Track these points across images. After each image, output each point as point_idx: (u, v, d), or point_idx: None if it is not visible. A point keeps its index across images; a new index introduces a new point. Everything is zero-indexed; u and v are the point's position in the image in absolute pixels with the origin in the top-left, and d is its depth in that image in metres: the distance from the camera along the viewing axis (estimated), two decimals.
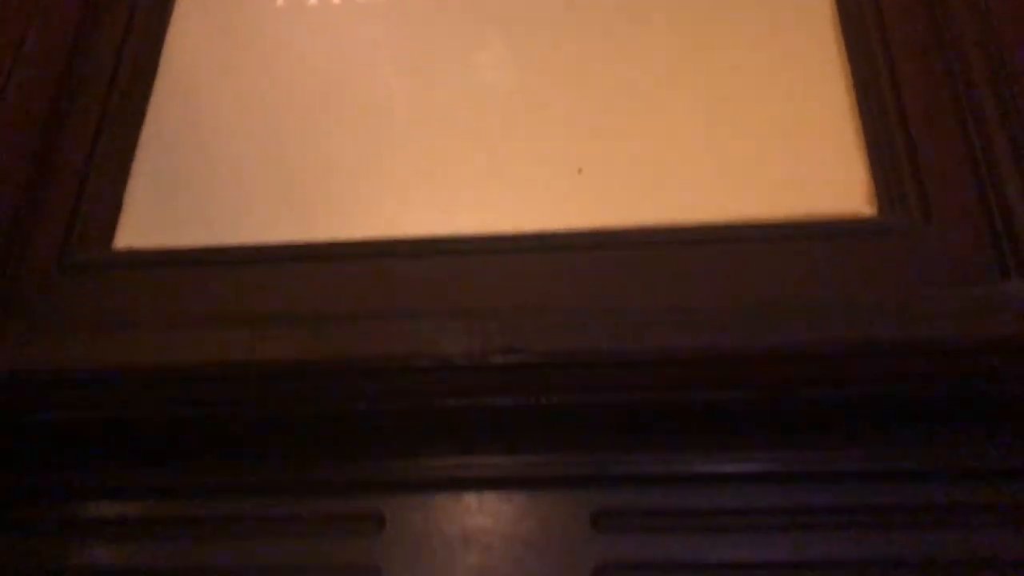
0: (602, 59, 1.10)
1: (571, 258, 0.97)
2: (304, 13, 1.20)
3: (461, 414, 0.90)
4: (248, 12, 1.21)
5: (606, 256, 0.97)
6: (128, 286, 0.99)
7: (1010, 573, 0.88)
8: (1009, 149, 0.98)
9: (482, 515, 0.95)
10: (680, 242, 0.97)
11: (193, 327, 0.92)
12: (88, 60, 1.11)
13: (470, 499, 0.95)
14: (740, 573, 0.90)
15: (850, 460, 0.91)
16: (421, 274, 0.97)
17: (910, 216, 0.97)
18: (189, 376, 0.88)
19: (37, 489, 0.96)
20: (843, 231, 0.98)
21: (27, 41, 1.08)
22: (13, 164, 1.02)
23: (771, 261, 0.95)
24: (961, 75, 1.01)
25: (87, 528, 0.96)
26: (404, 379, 0.87)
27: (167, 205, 1.05)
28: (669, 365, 0.86)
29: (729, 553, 0.91)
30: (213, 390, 0.88)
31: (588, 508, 0.93)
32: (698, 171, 1.02)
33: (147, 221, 1.04)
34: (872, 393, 0.87)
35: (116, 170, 1.06)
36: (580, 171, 1.03)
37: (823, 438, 0.92)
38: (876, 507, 0.91)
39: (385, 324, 0.90)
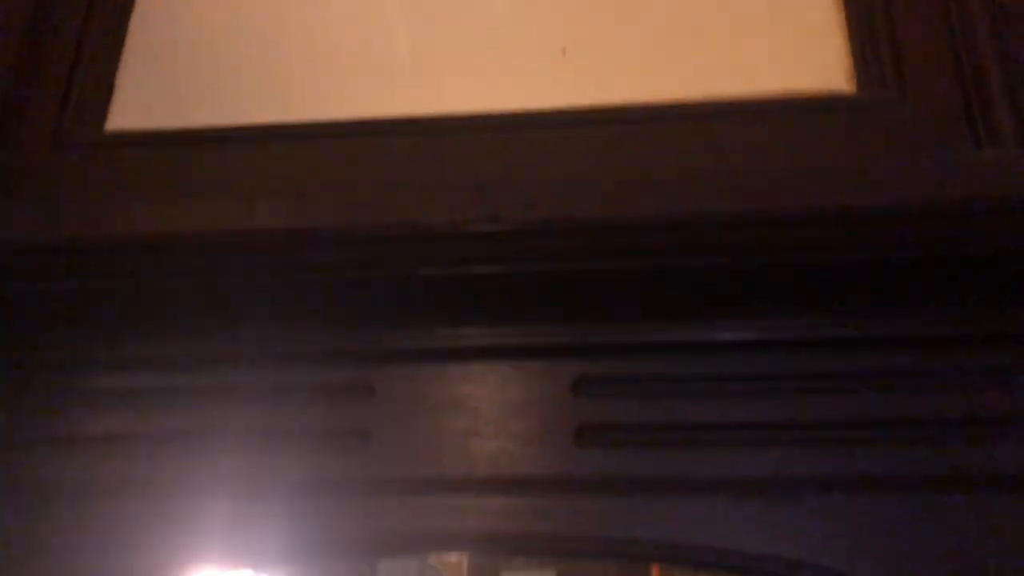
0: None
1: (552, 135, 0.97)
2: None
3: (444, 283, 0.90)
4: None
5: (587, 133, 0.97)
6: (120, 166, 0.99)
7: (987, 432, 0.88)
8: (987, 26, 0.96)
9: (468, 383, 0.96)
10: (661, 119, 0.96)
11: (184, 201, 0.91)
12: None
13: (457, 368, 0.96)
14: (714, 434, 0.91)
15: (824, 327, 0.91)
16: (406, 151, 0.96)
17: (888, 93, 0.96)
18: (180, 245, 0.88)
19: (36, 360, 0.97)
20: (822, 107, 0.96)
21: None
22: (4, 47, 1.01)
23: (750, 136, 0.94)
24: None
25: (83, 398, 0.97)
26: (388, 248, 0.87)
27: (158, 88, 1.04)
28: (646, 232, 0.86)
29: (704, 416, 0.92)
30: (203, 260, 0.88)
31: (569, 375, 0.94)
32: (681, 50, 1.01)
33: (138, 104, 1.03)
34: (847, 259, 0.86)
35: (107, 54, 1.05)
36: (564, 51, 1.02)
37: (798, 306, 0.91)
38: (850, 372, 0.92)
39: (369, 196, 0.90)
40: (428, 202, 0.87)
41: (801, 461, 0.90)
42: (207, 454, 0.96)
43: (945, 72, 0.95)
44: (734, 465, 0.90)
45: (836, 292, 0.90)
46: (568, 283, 0.90)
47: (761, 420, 0.91)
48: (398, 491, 0.92)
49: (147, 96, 1.03)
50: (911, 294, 0.89)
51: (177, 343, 0.96)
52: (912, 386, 0.91)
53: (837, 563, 0.85)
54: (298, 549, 0.97)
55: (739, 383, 0.93)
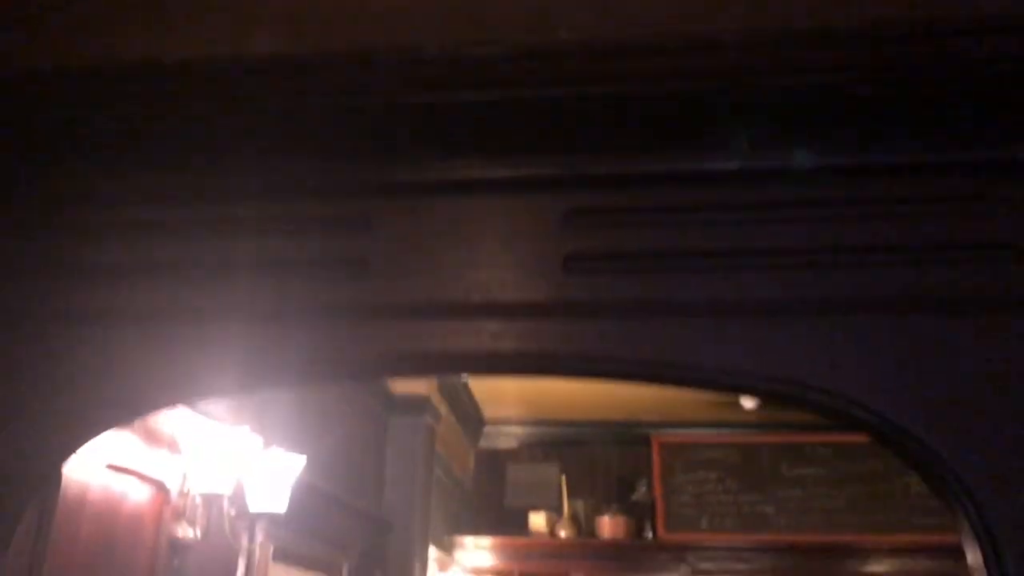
0: None
1: None
2: None
3: (437, 110, 0.88)
4: None
5: None
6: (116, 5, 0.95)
7: (954, 256, 0.90)
8: None
9: (462, 214, 0.96)
10: None
11: (179, 26, 0.88)
12: None
13: (450, 200, 0.96)
14: (696, 261, 0.92)
15: (807, 157, 0.91)
16: None
17: None
18: (174, 71, 0.85)
19: (41, 190, 0.97)
20: None
21: None
22: None
23: None
24: None
25: (89, 229, 0.97)
26: (381, 73, 0.85)
27: None
28: (638, 54, 0.83)
29: (686, 243, 0.92)
30: (198, 85, 0.86)
31: (561, 205, 0.94)
32: None
33: None
34: (833, 82, 0.85)
35: None
36: None
37: (780, 137, 0.90)
38: (828, 200, 0.91)
39: (361, 19, 0.86)
40: (418, 25, 0.84)
41: (777, 285, 0.91)
42: (216, 282, 0.97)
43: None
44: (714, 289, 0.91)
45: (821, 120, 0.89)
46: (557, 109, 0.88)
47: (740, 247, 0.92)
48: (397, 315, 0.94)
49: None
50: (886, 124, 0.88)
51: (176, 177, 0.95)
52: (888, 212, 0.91)
53: (811, 378, 0.88)
54: (304, 370, 1.00)
55: (719, 212, 0.93)
